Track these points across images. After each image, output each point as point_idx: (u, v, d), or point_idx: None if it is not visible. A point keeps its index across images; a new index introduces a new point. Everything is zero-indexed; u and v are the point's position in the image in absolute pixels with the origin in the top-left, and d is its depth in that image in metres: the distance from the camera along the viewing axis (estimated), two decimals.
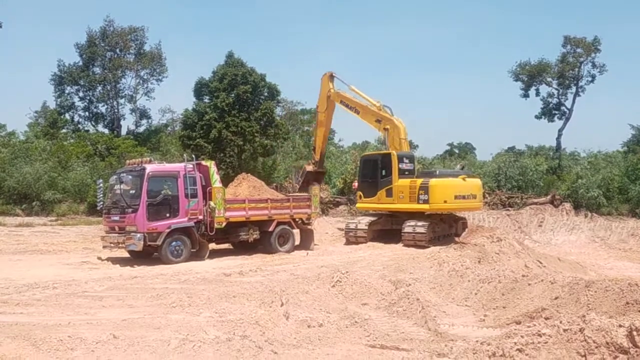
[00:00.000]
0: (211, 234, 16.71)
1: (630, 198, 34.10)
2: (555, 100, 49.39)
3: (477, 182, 21.52)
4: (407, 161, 20.84)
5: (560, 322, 5.61)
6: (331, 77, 23.08)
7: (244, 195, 18.77)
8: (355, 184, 22.94)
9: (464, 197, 20.11)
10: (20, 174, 30.56)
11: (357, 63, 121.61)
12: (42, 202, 30.42)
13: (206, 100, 35.90)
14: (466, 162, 36.94)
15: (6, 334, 7.14)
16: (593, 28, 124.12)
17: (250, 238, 17.63)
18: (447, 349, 5.97)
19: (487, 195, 34.83)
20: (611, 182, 34.37)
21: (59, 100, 45.40)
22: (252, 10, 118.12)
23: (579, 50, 46.79)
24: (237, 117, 34.05)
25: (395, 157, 20.56)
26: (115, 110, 46.69)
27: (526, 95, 49.64)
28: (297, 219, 19.00)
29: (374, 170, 21.31)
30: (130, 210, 15.53)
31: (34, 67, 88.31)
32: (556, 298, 8.35)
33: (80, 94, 46.00)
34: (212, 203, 16.57)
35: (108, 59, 45.13)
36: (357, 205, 22.82)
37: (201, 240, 16.50)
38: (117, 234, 15.93)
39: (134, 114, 48.27)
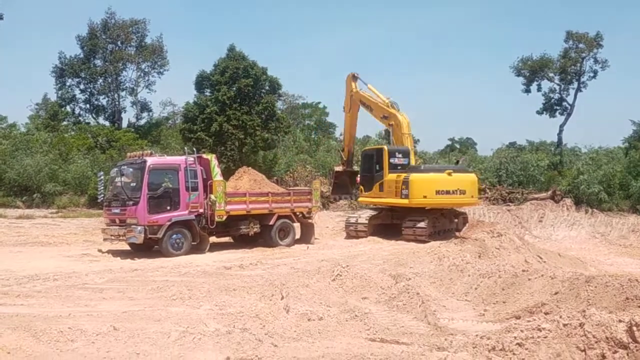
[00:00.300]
0: (212, 227, 16.72)
1: (631, 194, 34.06)
2: (556, 96, 49.40)
3: (470, 177, 20.86)
4: (400, 156, 20.92)
5: (560, 317, 5.62)
6: (354, 77, 23.34)
7: (244, 189, 18.78)
8: (358, 178, 23.08)
9: (448, 193, 19.72)
10: (21, 166, 30.54)
11: (359, 56, 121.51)
12: (42, 195, 30.42)
13: (207, 94, 35.85)
14: (465, 158, 36.79)
15: (7, 325, 7.16)
16: (595, 24, 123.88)
17: (250, 231, 17.64)
18: (447, 343, 5.98)
19: (487, 191, 34.85)
20: (612, 178, 34.31)
21: (60, 92, 45.38)
22: (254, 3, 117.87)
23: (581, 45, 46.72)
24: (239, 111, 34.01)
25: (386, 151, 20.84)
26: (116, 103, 46.65)
27: (528, 91, 49.63)
28: (297, 213, 19.00)
29: (371, 165, 21.64)
30: (131, 202, 15.53)
31: (35, 59, 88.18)
32: (556, 293, 8.35)
33: (81, 87, 45.98)
34: (212, 196, 16.57)
35: (109, 52, 45.04)
36: (359, 199, 22.96)
37: (202, 233, 16.51)
38: (117, 227, 15.94)
39: (135, 106, 48.27)
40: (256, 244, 18.08)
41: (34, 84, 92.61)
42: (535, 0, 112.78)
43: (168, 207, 15.93)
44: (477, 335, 5.89)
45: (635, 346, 5.03)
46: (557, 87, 49.12)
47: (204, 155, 17.73)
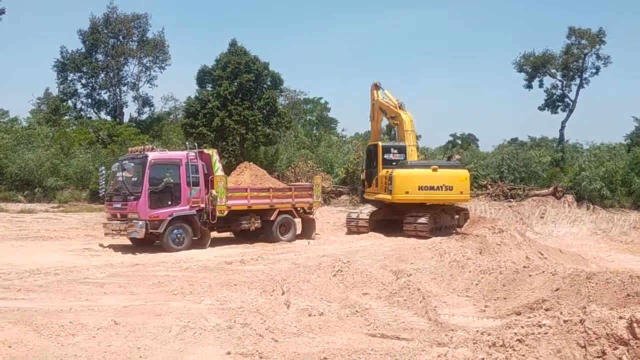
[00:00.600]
0: (213, 222, 16.74)
1: (633, 191, 34.01)
2: (559, 92, 49.24)
3: (459, 173, 20.72)
4: (395, 151, 21.26)
5: (561, 314, 5.61)
6: (376, 86, 23.64)
7: (246, 184, 18.81)
8: (363, 174, 23.57)
9: (432, 188, 19.78)
10: (22, 161, 30.53)
11: (360, 51, 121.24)
12: (44, 189, 30.43)
13: (209, 89, 35.79)
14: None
15: (8, 319, 7.18)
16: (598, 19, 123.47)
17: (251, 227, 17.67)
18: (447, 339, 5.97)
19: (489, 187, 34.84)
20: (614, 175, 34.25)
21: (61, 87, 45.32)
22: None
23: (583, 41, 46.57)
24: (240, 106, 33.97)
25: (380, 147, 21.35)
26: (118, 98, 46.60)
27: (529, 87, 49.49)
28: (298, 208, 19.03)
29: (370, 161, 22.07)
30: (132, 197, 15.55)
31: (37, 54, 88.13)
32: (557, 289, 8.35)
33: (83, 81, 45.93)
34: (214, 191, 16.59)
35: (111, 46, 44.95)
36: (365, 194, 23.28)
37: (203, 228, 16.53)
38: (119, 222, 15.96)
39: (136, 101, 48.19)
40: (257, 239, 18.09)
41: (35, 79, 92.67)
42: None
43: (169, 202, 15.95)
44: (477, 331, 5.89)
45: (636, 342, 5.03)
46: (559, 83, 49.04)
47: (206, 151, 17.76)
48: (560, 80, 48.86)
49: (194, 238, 16.28)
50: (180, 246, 15.79)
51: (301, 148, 40.92)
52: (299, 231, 19.15)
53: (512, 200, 32.79)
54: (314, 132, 51.75)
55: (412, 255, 13.77)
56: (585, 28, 46.38)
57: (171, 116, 52.45)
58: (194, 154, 16.71)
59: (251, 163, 22.02)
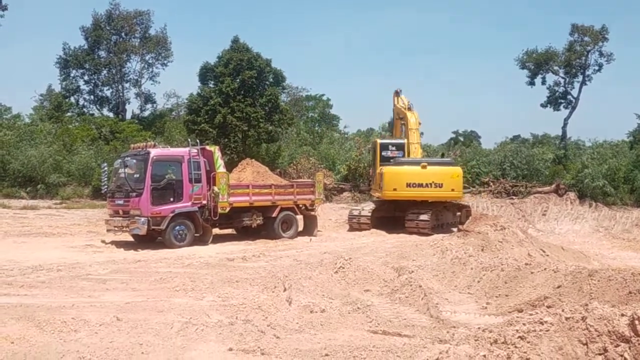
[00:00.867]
0: (215, 218, 16.75)
1: (635, 188, 33.91)
2: (561, 89, 49.07)
3: (451, 170, 20.40)
4: (393, 148, 21.43)
5: (563, 311, 5.61)
6: (396, 93, 23.78)
7: (247, 181, 18.80)
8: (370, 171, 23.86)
9: (420, 186, 19.75)
10: (25, 157, 30.57)
11: (362, 48, 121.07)
12: (46, 185, 30.46)
13: (211, 85, 35.75)
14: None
15: (11, 315, 7.20)
16: (601, 17, 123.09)
17: (253, 223, 17.68)
18: (449, 336, 5.98)
19: (491, 184, 34.78)
20: (617, 172, 34.16)
21: (64, 83, 45.42)
22: None
23: (586, 38, 46.37)
24: (242, 103, 33.94)
25: (378, 144, 21.62)
26: (120, 94, 46.65)
27: (532, 84, 49.30)
28: (300, 205, 19.02)
29: (373, 158, 22.23)
30: (134, 194, 15.56)
31: (39, 50, 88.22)
32: (559, 287, 8.34)
33: (86, 78, 46.02)
34: (216, 188, 16.59)
35: (113, 43, 44.99)
36: (371, 192, 23.48)
37: (205, 225, 16.54)
38: (121, 218, 15.98)
39: (138, 98, 48.25)
40: (259, 236, 18.11)
41: (38, 75, 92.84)
42: None
43: (171, 199, 15.96)
44: (479, 328, 5.90)
45: (637, 340, 5.02)
46: (562, 80, 48.84)
47: (208, 147, 17.74)
48: (562, 78, 48.73)
49: (196, 235, 16.29)
50: (182, 243, 15.81)
51: (303, 145, 40.87)
52: (300, 228, 19.16)
53: (514, 197, 32.73)
54: (316, 129, 51.71)
55: (413, 252, 13.76)
56: (588, 25, 46.29)
57: (173, 113, 52.47)
58: (196, 150, 16.71)
59: (253, 160, 22.00)
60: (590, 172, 33.27)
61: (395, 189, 19.74)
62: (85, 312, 7.51)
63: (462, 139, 63.56)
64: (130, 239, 16.54)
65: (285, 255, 14.45)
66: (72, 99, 46.42)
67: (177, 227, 15.88)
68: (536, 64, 48.05)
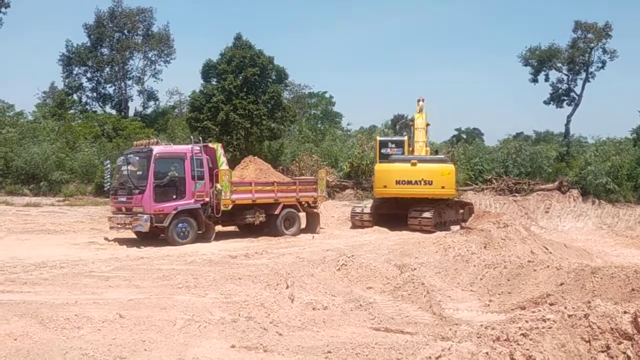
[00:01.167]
0: (217, 216, 16.77)
1: (638, 186, 33.79)
2: (564, 86, 48.95)
3: (443, 168, 20.24)
4: (392, 146, 21.56)
5: (565, 308, 5.59)
6: (418, 102, 23.91)
7: (250, 178, 18.86)
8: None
9: (410, 183, 19.75)
10: (28, 154, 30.59)
11: (365, 45, 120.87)
12: (49, 183, 30.48)
13: (214, 83, 35.76)
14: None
15: (14, 312, 7.23)
16: (604, 13, 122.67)
17: (256, 221, 17.69)
18: (451, 333, 5.98)
19: (494, 181, 34.73)
20: (620, 169, 34.05)
21: (67, 80, 45.41)
22: None
23: (589, 35, 46.22)
24: (245, 100, 33.93)
25: (377, 142, 21.81)
26: (123, 92, 46.68)
27: (535, 81, 49.19)
28: (303, 202, 19.03)
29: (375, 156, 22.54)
30: (137, 191, 15.59)
31: (42, 48, 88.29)
32: (561, 284, 8.32)
33: (88, 75, 45.99)
34: (218, 185, 16.61)
35: (116, 40, 45.01)
36: None
37: (207, 222, 16.57)
38: (124, 215, 16.01)
39: (141, 95, 48.30)
40: (261, 233, 18.12)
41: (41, 72, 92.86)
42: None
43: (174, 196, 15.99)
44: (481, 326, 5.89)
45: None
46: (565, 78, 48.71)
47: (210, 144, 17.78)
48: (566, 74, 48.60)
49: (198, 232, 16.32)
50: (184, 240, 15.84)
51: (306, 142, 40.84)
52: (303, 225, 19.18)
53: (517, 194, 32.66)
54: (319, 126, 51.69)
55: (416, 250, 13.76)
56: (592, 22, 46.14)
57: (176, 110, 52.49)
58: (198, 147, 16.73)
59: (256, 157, 22.06)
60: (593, 169, 33.16)
61: (385, 186, 19.81)
62: (88, 309, 7.52)
63: (464, 136, 63.48)
64: (133, 236, 16.58)
65: (288, 252, 14.46)
66: (75, 97, 46.44)
67: (180, 225, 15.90)
68: (539, 60, 47.93)
